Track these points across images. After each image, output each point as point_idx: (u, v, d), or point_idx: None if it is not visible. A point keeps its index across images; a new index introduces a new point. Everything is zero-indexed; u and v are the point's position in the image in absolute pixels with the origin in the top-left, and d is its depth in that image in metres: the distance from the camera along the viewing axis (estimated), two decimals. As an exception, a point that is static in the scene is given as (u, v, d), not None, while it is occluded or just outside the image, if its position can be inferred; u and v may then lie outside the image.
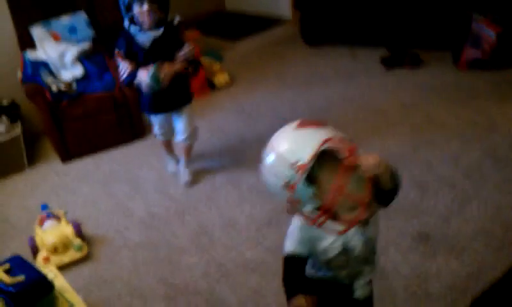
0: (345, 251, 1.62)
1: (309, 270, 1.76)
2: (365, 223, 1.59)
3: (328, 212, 1.49)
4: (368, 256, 1.69)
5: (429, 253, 2.65)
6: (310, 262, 1.73)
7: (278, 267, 2.73)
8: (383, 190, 1.53)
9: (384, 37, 5.05)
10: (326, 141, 1.47)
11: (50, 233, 3.06)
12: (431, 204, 3.00)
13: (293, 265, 1.67)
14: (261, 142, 4.00)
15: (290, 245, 1.66)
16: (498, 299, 1.95)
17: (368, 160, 1.45)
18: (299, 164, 1.46)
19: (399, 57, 4.78)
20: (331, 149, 1.48)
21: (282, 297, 2.55)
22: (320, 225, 1.51)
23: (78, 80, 4.26)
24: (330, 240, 1.60)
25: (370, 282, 1.78)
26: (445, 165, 3.29)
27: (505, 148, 3.35)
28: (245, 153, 3.85)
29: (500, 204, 2.90)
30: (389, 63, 4.80)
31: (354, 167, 1.45)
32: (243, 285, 2.71)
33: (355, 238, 1.60)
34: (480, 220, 2.83)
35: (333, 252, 1.62)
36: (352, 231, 1.57)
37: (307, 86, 4.77)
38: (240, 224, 3.15)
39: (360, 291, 1.75)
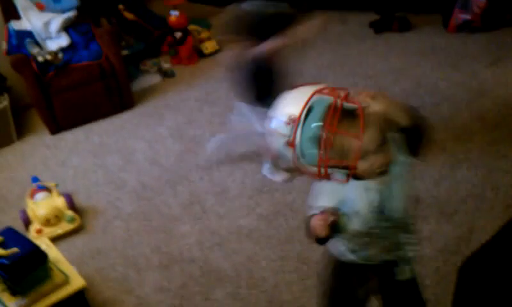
0: (381, 208, 1.57)
1: (342, 251, 1.72)
2: (385, 175, 1.52)
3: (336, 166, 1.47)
4: (402, 221, 1.64)
5: (421, 217, 2.68)
6: (341, 240, 1.69)
7: (270, 233, 2.78)
8: (406, 133, 1.50)
9: (373, 1, 5.01)
10: (316, 91, 1.45)
11: (42, 205, 3.04)
12: (421, 168, 3.01)
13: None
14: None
15: (317, 200, 1.59)
16: (488, 259, 1.97)
17: (362, 94, 1.44)
18: (292, 117, 1.44)
19: (388, 21, 4.75)
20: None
21: (276, 264, 2.59)
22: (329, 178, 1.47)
23: (64, 50, 4.19)
24: (355, 191, 1.55)
25: (410, 261, 1.72)
26: (436, 130, 3.30)
27: (495, 111, 3.37)
28: (236, 122, 3.83)
29: (490, 167, 2.92)
30: (378, 27, 4.77)
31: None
32: (237, 252, 2.73)
33: (381, 193, 1.55)
34: (471, 183, 2.85)
35: (361, 208, 1.56)
36: (375, 184, 1.52)
37: (296, 52, 4.72)
38: (233, 192, 3.15)
39: (400, 273, 1.71)
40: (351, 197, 1.56)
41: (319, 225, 1.50)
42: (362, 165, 1.46)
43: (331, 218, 1.50)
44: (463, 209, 2.69)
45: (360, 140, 1.40)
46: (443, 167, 2.99)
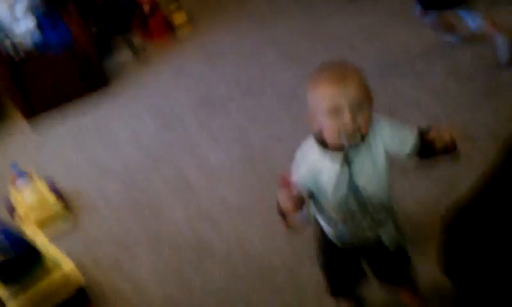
0: (353, 185, 1.58)
1: (327, 228, 1.76)
2: (354, 145, 1.52)
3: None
4: (386, 202, 1.66)
5: (400, 172, 2.72)
6: (324, 217, 1.72)
7: (258, 204, 2.80)
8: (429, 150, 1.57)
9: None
10: None
11: (25, 191, 3.02)
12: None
13: None
14: (227, 81, 4.02)
15: (298, 169, 1.62)
16: (471, 212, 2.03)
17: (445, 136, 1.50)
18: None
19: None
20: None
21: (265, 232, 2.63)
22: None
23: (32, 34, 4.12)
24: (328, 165, 1.56)
25: (398, 229, 1.75)
26: (411, 86, 3.34)
27: (468, 64, 3.40)
28: (212, 93, 3.83)
29: (466, 119, 2.97)
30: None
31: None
32: (224, 223, 2.76)
33: (351, 168, 1.55)
34: (448, 136, 2.90)
35: (335, 184, 1.58)
36: (355, 158, 1.54)
37: (269, 21, 4.71)
38: (217, 165, 3.16)
39: (386, 237, 1.73)
40: (325, 167, 1.58)
41: (282, 199, 1.51)
42: (330, 122, 1.48)
43: (294, 192, 1.50)
44: (442, 163, 2.74)
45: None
46: (420, 123, 2.99)
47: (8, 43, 3.94)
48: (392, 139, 1.58)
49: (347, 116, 1.44)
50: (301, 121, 3.27)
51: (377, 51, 3.82)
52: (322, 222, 1.77)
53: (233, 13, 5.01)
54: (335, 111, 1.45)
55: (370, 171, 1.58)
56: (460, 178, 2.62)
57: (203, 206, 2.89)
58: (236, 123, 3.44)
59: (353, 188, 1.59)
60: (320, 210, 1.71)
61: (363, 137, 1.52)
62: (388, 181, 1.66)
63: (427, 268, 2.03)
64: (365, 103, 1.47)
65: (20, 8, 4.19)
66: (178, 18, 4.96)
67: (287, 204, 1.50)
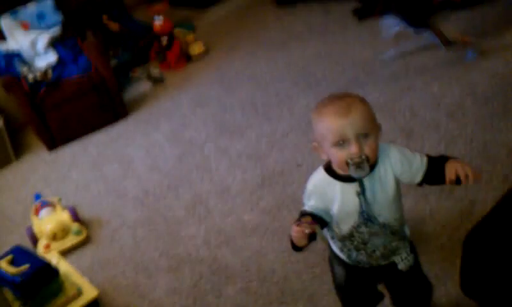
0: (365, 216, 1.60)
1: (340, 253, 1.77)
2: (363, 173, 1.52)
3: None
4: (391, 228, 1.66)
5: (421, 195, 2.72)
6: (337, 244, 1.74)
7: (275, 226, 2.82)
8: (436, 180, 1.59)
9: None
10: None
11: (47, 221, 3.08)
12: (417, 149, 3.03)
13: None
14: (244, 108, 4.08)
15: (309, 199, 1.66)
16: (491, 229, 2.02)
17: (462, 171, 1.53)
18: None
19: (371, 6, 4.78)
20: None
21: (284, 256, 2.63)
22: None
23: (53, 67, 4.22)
24: (340, 194, 1.59)
25: (410, 252, 1.77)
26: (428, 109, 3.34)
27: (485, 85, 3.41)
28: (229, 121, 3.87)
29: (485, 140, 2.97)
30: (361, 14, 4.80)
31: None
32: (244, 248, 2.76)
33: (364, 197, 1.57)
34: (468, 157, 2.89)
35: (348, 213, 1.60)
36: (357, 187, 1.56)
37: (283, 46, 4.77)
38: (234, 189, 3.19)
39: (401, 264, 1.74)
40: (336, 196, 1.60)
41: (296, 237, 1.54)
42: (337, 153, 1.51)
43: (307, 230, 1.51)
44: (462, 184, 2.73)
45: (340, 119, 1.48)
46: (439, 145, 3.03)
47: (30, 77, 4.04)
48: (402, 166, 1.59)
49: (353, 147, 1.47)
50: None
51: (392, 74, 3.84)
52: (335, 248, 1.78)
53: (248, 40, 5.08)
54: (342, 142, 1.49)
55: (381, 199, 1.59)
56: (481, 200, 2.61)
57: (223, 230, 2.91)
58: (254, 149, 3.47)
59: (365, 218, 1.61)
60: (333, 236, 1.72)
61: (372, 167, 1.54)
62: (400, 208, 1.67)
63: (449, 290, 2.01)
64: (371, 133, 1.50)
65: (42, 43, 4.30)
66: (196, 48, 5.04)
67: (301, 242, 1.53)
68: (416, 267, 1.81)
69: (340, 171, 1.57)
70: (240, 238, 2.83)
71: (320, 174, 1.64)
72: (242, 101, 4.07)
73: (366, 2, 4.84)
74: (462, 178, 1.51)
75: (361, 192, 1.56)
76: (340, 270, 1.85)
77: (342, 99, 1.53)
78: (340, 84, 3.90)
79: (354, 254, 1.72)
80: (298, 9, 5.43)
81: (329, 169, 1.60)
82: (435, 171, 1.58)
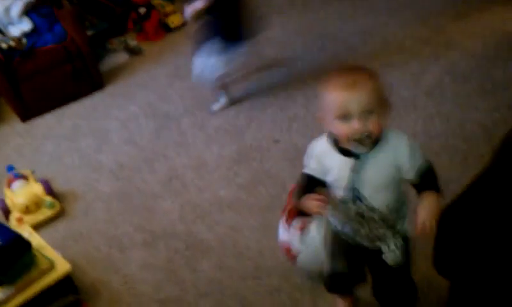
0: (354, 193, 1.60)
1: (335, 224, 1.78)
2: (363, 149, 1.54)
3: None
4: (388, 217, 1.65)
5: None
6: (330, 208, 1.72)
7: (252, 202, 2.81)
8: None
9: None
10: None
11: (20, 194, 3.02)
12: (394, 126, 3.04)
13: (302, 180, 1.69)
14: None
15: (309, 161, 1.70)
16: (464, 209, 2.03)
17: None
18: None
19: (353, -18, 4.74)
20: None
21: (259, 232, 2.63)
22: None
23: (28, 35, 4.11)
24: (337, 165, 1.60)
25: (402, 249, 1.73)
26: (406, 87, 3.34)
27: (463, 64, 3.42)
28: (207, 95, 3.82)
29: (462, 119, 2.98)
30: (343, -11, 4.76)
31: None
32: (220, 223, 2.75)
33: (363, 178, 1.57)
34: (444, 136, 2.91)
35: (341, 185, 1.61)
36: (360, 166, 1.55)
37: (263, 20, 4.70)
38: (211, 164, 3.16)
39: (389, 255, 1.72)
40: (333, 167, 1.61)
41: (314, 205, 1.57)
42: (339, 127, 1.50)
43: (324, 205, 1.56)
44: (437, 162, 2.71)
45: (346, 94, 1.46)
46: (416, 123, 3.04)
47: (3, 45, 3.93)
48: (407, 159, 1.57)
49: (355, 122, 1.47)
50: (295, 124, 3.30)
51: (371, 51, 3.83)
52: (329, 213, 1.78)
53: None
54: (344, 117, 1.48)
55: (374, 181, 1.58)
56: (456, 178, 2.62)
57: (198, 205, 2.89)
58: (231, 124, 3.44)
59: (355, 195, 1.61)
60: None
61: (375, 143, 1.53)
62: (394, 199, 1.64)
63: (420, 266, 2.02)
64: (375, 109, 1.48)
65: (16, 11, 4.18)
66: (175, 20, 4.95)
67: (314, 207, 1.57)
68: (404, 268, 1.79)
69: (342, 143, 1.56)
70: (216, 213, 2.82)
71: (322, 142, 1.64)
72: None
73: (348, -23, 4.80)
74: (417, 230, 1.51)
75: (355, 169, 1.56)
76: (332, 237, 1.85)
77: (350, 73, 1.52)
78: (320, 60, 3.88)
79: (341, 225, 1.74)
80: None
81: (331, 139, 1.60)
82: (420, 183, 1.58)
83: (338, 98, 1.48)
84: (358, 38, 4.03)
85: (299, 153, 3.02)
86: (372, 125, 1.48)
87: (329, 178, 1.64)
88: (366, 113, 1.46)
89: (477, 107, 3.04)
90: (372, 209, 1.63)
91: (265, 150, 3.15)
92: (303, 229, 2.20)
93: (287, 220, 2.26)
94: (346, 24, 4.27)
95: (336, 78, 1.52)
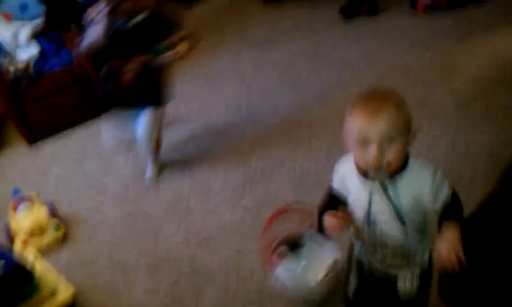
0: (370, 219, 1.59)
1: (356, 246, 1.78)
2: (387, 186, 1.53)
3: None
4: (404, 247, 1.62)
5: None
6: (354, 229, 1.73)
7: (257, 226, 2.79)
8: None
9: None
10: None
11: (25, 217, 3.02)
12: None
13: (326, 196, 1.69)
14: (228, 106, 4.05)
15: (333, 179, 1.71)
16: (470, 234, 2.02)
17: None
18: None
19: (357, 6, 4.78)
20: None
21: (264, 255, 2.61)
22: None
23: (35, 60, 4.15)
24: (356, 187, 1.60)
25: (417, 278, 1.69)
26: (411, 110, 3.32)
27: (468, 87, 3.42)
28: (213, 119, 3.84)
29: (467, 142, 2.97)
30: (347, 13, 4.79)
31: None
32: (224, 247, 2.74)
33: (379, 205, 1.56)
34: (449, 159, 2.90)
35: (358, 208, 1.62)
36: (377, 193, 1.54)
37: (269, 44, 4.74)
38: (216, 188, 3.16)
39: (402, 284, 1.69)
40: (352, 189, 1.62)
41: (335, 223, 1.57)
42: (358, 151, 1.49)
43: (344, 224, 1.57)
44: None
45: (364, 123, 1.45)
46: (421, 146, 3.03)
47: (11, 69, 3.97)
48: (430, 193, 1.52)
49: (373, 150, 1.44)
50: (300, 147, 3.30)
51: (376, 74, 3.84)
52: (353, 236, 1.78)
53: (234, 37, 5.04)
54: (363, 143, 1.46)
55: (390, 212, 1.56)
56: (462, 201, 2.60)
57: (203, 229, 2.88)
58: (237, 147, 3.45)
59: (370, 220, 1.60)
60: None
61: (393, 173, 1.51)
62: (416, 228, 1.61)
63: None
64: (397, 138, 1.45)
65: (24, 35, 4.22)
66: (180, 46, 4.98)
67: (334, 232, 1.58)
68: (420, 301, 1.74)
69: (360, 167, 1.56)
70: (220, 237, 2.81)
71: (347, 162, 1.64)
72: (226, 98, 4.04)
73: (353, 1, 4.83)
74: (437, 264, 1.48)
75: (372, 194, 1.56)
76: (352, 279, 1.85)
77: (375, 98, 1.50)
78: (325, 82, 3.89)
79: (359, 247, 1.74)
80: (285, 6, 5.40)
81: (354, 161, 1.59)
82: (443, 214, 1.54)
83: (359, 123, 1.46)
84: (363, 61, 4.04)
85: (304, 176, 3.04)
86: (391, 155, 1.45)
87: (349, 199, 1.65)
88: (386, 141, 1.44)
89: (482, 130, 3.04)
90: (386, 236, 1.61)
91: (270, 173, 3.15)
92: (281, 259, 2.22)
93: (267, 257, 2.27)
94: (351, 47, 4.29)
95: (362, 101, 1.50)
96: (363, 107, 1.48)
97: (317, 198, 2.79)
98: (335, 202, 1.67)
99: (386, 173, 1.48)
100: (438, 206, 1.53)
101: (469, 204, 2.53)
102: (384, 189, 1.53)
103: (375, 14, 4.70)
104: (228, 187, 3.13)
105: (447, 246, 1.42)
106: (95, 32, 2.95)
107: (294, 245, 2.27)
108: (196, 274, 2.63)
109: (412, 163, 1.53)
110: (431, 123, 3.20)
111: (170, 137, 3.71)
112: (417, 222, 1.60)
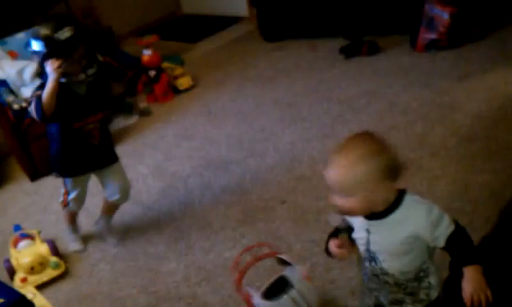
0: (370, 255, 1.61)
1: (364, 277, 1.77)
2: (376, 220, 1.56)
3: None
4: (405, 284, 1.62)
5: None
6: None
7: (257, 264, 2.77)
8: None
9: (341, 27, 5.12)
10: None
11: (25, 253, 3.02)
12: (400, 187, 3.05)
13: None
14: (229, 142, 4.08)
15: (449, 220, 1.60)
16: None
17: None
18: None
19: (357, 45, 4.85)
20: None
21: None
22: None
23: (39, 97, 4.19)
24: (357, 225, 1.63)
25: None
26: (411, 148, 3.36)
27: (468, 126, 3.44)
28: (214, 155, 3.87)
29: (467, 181, 2.98)
30: (348, 52, 4.86)
31: None
32: (224, 286, 2.72)
33: (376, 244, 1.59)
34: (450, 198, 2.90)
35: (360, 245, 1.65)
36: (374, 233, 1.58)
37: (270, 82, 4.80)
38: (216, 225, 3.16)
39: None
40: (354, 224, 1.65)
41: (335, 251, 1.64)
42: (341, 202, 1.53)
43: (345, 251, 1.62)
44: (443, 224, 2.73)
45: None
46: (421, 185, 3.04)
47: (16, 106, 4.01)
48: (428, 231, 1.53)
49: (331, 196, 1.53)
50: (301, 185, 3.30)
51: (378, 112, 3.87)
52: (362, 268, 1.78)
53: (236, 75, 5.11)
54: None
55: (388, 247, 1.57)
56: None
57: (203, 267, 2.87)
58: (238, 185, 3.46)
59: (370, 257, 1.61)
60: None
61: (382, 214, 1.54)
62: (418, 266, 1.60)
63: None
64: (349, 190, 1.49)
65: (29, 73, 4.28)
66: (183, 82, 5.06)
67: (336, 253, 1.64)
68: None
69: None
70: (220, 275, 2.79)
71: None
72: (227, 135, 4.08)
73: (353, 41, 4.91)
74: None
75: (369, 231, 1.58)
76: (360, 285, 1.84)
77: (341, 147, 1.54)
78: (326, 121, 3.92)
79: (366, 279, 1.73)
80: (287, 45, 5.49)
81: None
82: (456, 254, 1.55)
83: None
84: (363, 100, 4.08)
85: (305, 213, 3.04)
86: (348, 204, 1.50)
87: (353, 234, 1.66)
88: (338, 192, 1.50)
89: (482, 168, 3.04)
90: (386, 273, 1.61)
91: (271, 211, 3.15)
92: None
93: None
94: (351, 86, 4.34)
95: (337, 147, 1.56)
96: (331, 154, 1.55)
97: (317, 236, 2.81)
98: (341, 230, 1.68)
99: (342, 219, 1.61)
100: (441, 241, 1.52)
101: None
102: (380, 226, 1.55)
103: (375, 53, 4.77)
104: (228, 225, 3.13)
105: (473, 287, 1.46)
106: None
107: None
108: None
109: (407, 200, 1.55)
110: (430, 161, 3.21)
111: (172, 174, 3.73)
112: (420, 259, 1.59)
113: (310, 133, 3.81)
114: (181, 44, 6.18)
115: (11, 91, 4.22)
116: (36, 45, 2.60)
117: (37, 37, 2.59)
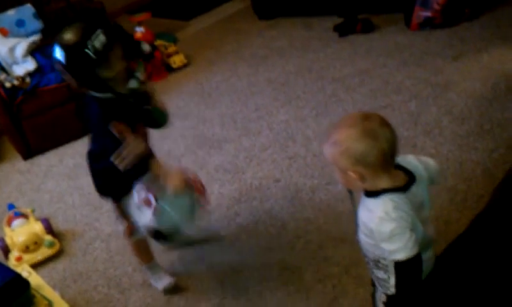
0: (356, 220, 1.63)
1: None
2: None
3: None
4: (369, 261, 1.62)
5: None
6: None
7: (251, 242, 2.80)
8: None
9: (335, 5, 5.09)
10: None
11: (19, 232, 3.02)
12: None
13: (410, 268, 1.49)
14: (223, 121, 4.06)
15: (399, 247, 1.46)
16: (463, 250, 2.03)
17: None
18: None
19: (352, 23, 4.82)
20: None
21: (258, 272, 2.61)
22: None
23: (31, 74, 4.16)
24: None
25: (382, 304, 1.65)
26: (405, 127, 3.37)
27: (462, 105, 3.44)
28: (208, 134, 3.86)
29: (461, 159, 2.99)
30: (342, 31, 4.84)
31: None
32: (219, 263, 2.74)
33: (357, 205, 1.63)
34: (443, 176, 2.91)
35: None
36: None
37: (264, 60, 4.78)
38: (211, 204, 3.16)
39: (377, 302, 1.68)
40: None
41: None
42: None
43: None
44: (437, 203, 2.74)
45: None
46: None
47: (7, 84, 3.98)
48: (369, 233, 1.51)
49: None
50: (295, 163, 3.30)
51: (372, 91, 3.86)
52: None
53: (229, 54, 5.08)
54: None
55: (358, 221, 1.58)
56: (455, 219, 2.62)
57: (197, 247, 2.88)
58: (232, 163, 3.46)
59: (356, 223, 1.61)
60: None
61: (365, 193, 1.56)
62: (373, 253, 1.55)
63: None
64: (336, 164, 1.55)
65: (21, 51, 4.24)
66: (177, 60, 5.03)
67: None
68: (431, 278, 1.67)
69: None
70: (215, 253, 2.81)
71: None
72: (221, 114, 4.07)
73: (347, 19, 4.88)
74: None
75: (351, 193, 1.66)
76: None
77: (339, 123, 1.56)
78: (320, 100, 3.91)
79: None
80: (280, 23, 5.46)
81: None
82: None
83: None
84: (357, 79, 4.07)
85: (299, 192, 3.05)
86: (339, 177, 1.59)
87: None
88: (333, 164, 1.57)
89: (476, 147, 3.06)
90: (363, 248, 1.61)
91: (266, 189, 3.16)
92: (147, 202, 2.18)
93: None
94: (345, 65, 4.33)
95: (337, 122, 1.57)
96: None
97: (311, 214, 2.82)
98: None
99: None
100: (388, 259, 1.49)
101: (462, 222, 2.56)
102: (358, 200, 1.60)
103: (370, 31, 4.75)
104: (223, 203, 3.14)
105: None
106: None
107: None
108: (191, 291, 2.63)
109: (383, 199, 1.50)
110: (424, 140, 3.22)
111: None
112: (377, 250, 1.52)
113: (304, 112, 3.81)
114: (174, 21, 6.13)
115: (3, 69, 4.18)
116: (60, 55, 2.10)
117: (66, 45, 2.07)
